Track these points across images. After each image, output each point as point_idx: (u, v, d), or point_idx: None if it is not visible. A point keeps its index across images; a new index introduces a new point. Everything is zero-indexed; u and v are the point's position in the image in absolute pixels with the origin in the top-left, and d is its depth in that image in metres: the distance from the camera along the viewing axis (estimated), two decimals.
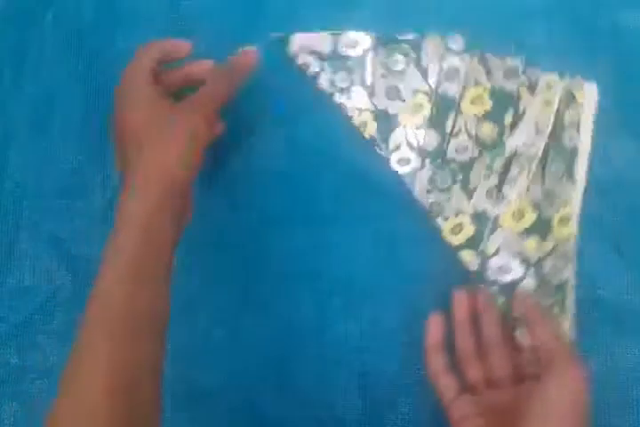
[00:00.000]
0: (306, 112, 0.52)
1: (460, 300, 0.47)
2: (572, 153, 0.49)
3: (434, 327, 0.46)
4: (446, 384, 0.45)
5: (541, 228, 0.48)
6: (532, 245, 0.48)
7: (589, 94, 0.50)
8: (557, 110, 0.49)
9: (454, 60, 0.50)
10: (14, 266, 0.52)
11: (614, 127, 0.50)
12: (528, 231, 0.48)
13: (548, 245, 0.48)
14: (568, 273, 0.48)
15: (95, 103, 0.54)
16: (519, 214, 0.48)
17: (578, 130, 0.49)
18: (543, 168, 0.49)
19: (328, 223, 0.51)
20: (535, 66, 0.50)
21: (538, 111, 0.50)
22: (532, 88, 0.50)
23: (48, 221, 0.53)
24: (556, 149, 0.49)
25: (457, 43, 0.50)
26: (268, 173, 0.52)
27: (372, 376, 0.49)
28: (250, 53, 0.46)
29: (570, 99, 0.50)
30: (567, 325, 0.47)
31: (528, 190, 0.49)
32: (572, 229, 0.48)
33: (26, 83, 0.54)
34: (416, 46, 0.51)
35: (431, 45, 0.51)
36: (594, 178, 0.50)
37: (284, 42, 0.51)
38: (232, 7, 0.54)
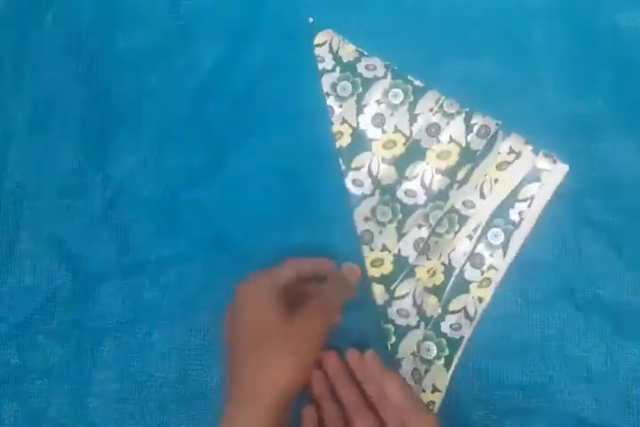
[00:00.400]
0: (307, 112, 0.52)
1: (318, 377, 0.48)
2: (515, 226, 0.50)
3: (316, 383, 0.48)
4: None
5: (448, 288, 0.49)
6: (432, 302, 0.49)
7: (557, 174, 0.50)
8: (518, 184, 0.50)
9: (441, 120, 0.51)
10: (14, 266, 0.52)
11: (614, 127, 0.50)
12: (433, 289, 0.50)
13: (454, 305, 0.49)
14: (468, 331, 0.49)
15: (95, 103, 0.54)
16: (432, 272, 0.50)
17: (530, 204, 0.50)
18: (479, 238, 0.50)
19: (327, 223, 0.51)
20: (508, 132, 0.50)
21: (486, 171, 0.50)
22: (490, 148, 0.50)
23: (48, 221, 0.53)
24: (500, 221, 0.50)
25: (452, 107, 0.51)
26: (269, 172, 0.52)
27: None
28: (355, 269, 0.49)
29: (534, 175, 0.50)
30: (446, 377, 0.48)
31: (453, 250, 0.50)
32: (489, 292, 0.49)
33: (26, 83, 0.54)
34: (418, 93, 0.52)
35: (430, 99, 0.51)
36: (594, 178, 0.50)
37: (316, 29, 0.53)
38: (232, 7, 0.54)
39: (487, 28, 0.52)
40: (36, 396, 0.51)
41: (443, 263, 0.50)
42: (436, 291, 0.49)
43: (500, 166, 0.50)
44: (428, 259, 0.50)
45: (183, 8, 0.54)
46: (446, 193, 0.50)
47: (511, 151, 0.50)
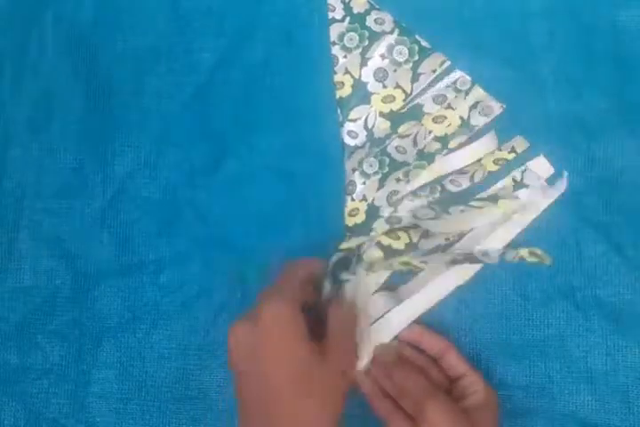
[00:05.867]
0: (308, 112, 0.52)
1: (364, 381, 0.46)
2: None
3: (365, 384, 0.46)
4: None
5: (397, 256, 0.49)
6: (376, 258, 0.49)
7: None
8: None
9: (451, 93, 0.51)
10: (14, 266, 0.52)
11: (614, 127, 0.50)
12: (388, 250, 0.49)
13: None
14: (391, 311, 0.48)
15: (95, 103, 0.54)
16: (395, 235, 0.49)
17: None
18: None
19: (328, 223, 0.51)
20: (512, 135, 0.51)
21: (481, 155, 0.50)
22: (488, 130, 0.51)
23: (48, 221, 0.53)
24: (484, 216, 0.49)
25: (464, 84, 0.51)
26: (269, 172, 0.52)
27: None
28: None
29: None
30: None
31: (419, 218, 0.49)
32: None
33: (26, 83, 0.54)
34: (423, 53, 0.52)
35: (435, 60, 0.51)
36: (594, 178, 0.50)
37: None
38: (232, 7, 0.54)
39: (487, 27, 0.52)
40: (35, 396, 0.51)
41: (401, 231, 0.49)
42: (388, 252, 0.49)
43: (496, 162, 0.50)
44: (395, 212, 0.49)
45: (183, 8, 0.54)
46: (434, 156, 0.50)
47: (512, 150, 0.50)
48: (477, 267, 0.49)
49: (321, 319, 0.42)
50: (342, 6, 0.52)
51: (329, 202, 0.51)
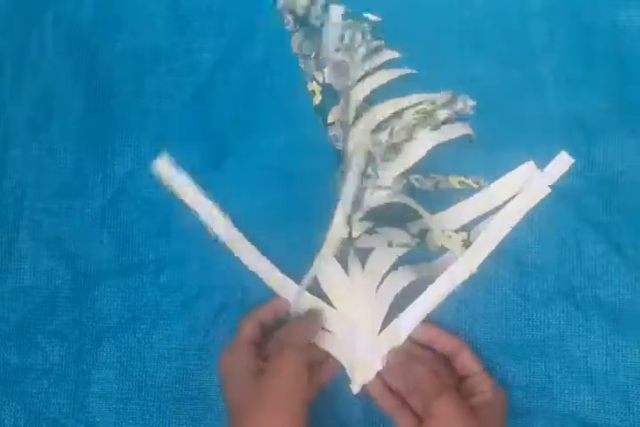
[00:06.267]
0: (307, 112, 0.52)
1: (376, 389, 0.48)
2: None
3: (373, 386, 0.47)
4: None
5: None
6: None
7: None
8: None
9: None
10: (14, 266, 0.52)
11: (614, 127, 0.50)
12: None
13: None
14: (400, 315, 0.48)
15: (95, 103, 0.54)
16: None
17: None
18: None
19: (327, 223, 0.51)
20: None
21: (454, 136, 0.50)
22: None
23: (48, 221, 0.53)
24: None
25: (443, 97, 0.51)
26: (269, 172, 0.52)
27: None
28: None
29: None
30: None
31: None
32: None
33: (26, 82, 0.54)
34: (377, 28, 0.51)
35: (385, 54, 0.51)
36: (594, 178, 0.50)
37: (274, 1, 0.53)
38: (232, 7, 0.54)
39: (487, 27, 0.52)
40: (35, 396, 0.51)
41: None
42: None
43: (460, 183, 0.50)
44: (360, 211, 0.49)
45: (183, 8, 0.54)
46: (400, 147, 0.50)
47: (477, 183, 0.50)
48: (484, 251, 0.49)
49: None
50: (291, 16, 0.52)
51: (328, 202, 0.51)
